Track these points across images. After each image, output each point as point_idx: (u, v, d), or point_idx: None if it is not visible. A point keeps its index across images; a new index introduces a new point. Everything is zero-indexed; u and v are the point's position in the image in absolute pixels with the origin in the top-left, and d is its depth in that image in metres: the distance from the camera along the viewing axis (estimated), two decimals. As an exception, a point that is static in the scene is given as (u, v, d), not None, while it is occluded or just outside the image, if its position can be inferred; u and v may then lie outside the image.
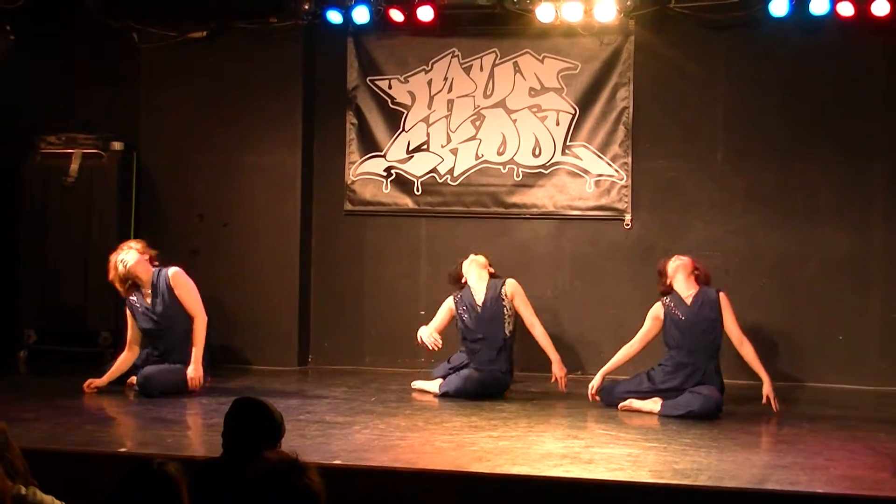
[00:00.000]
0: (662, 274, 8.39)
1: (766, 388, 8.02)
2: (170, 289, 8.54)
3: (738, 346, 8.18)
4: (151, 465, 3.72)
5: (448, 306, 8.90)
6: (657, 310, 8.27)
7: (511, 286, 8.80)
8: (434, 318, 8.91)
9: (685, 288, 8.25)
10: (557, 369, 8.73)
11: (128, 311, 8.65)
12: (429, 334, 8.75)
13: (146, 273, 8.54)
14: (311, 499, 3.52)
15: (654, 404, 8.01)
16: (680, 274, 8.29)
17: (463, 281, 8.95)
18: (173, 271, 8.60)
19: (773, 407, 7.95)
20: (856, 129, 9.55)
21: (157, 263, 8.66)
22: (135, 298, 8.58)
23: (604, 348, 9.81)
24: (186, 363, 8.41)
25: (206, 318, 8.56)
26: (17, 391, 8.75)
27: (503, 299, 8.76)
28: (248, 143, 10.20)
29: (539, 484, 5.92)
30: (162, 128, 10.35)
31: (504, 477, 5.99)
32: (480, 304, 8.78)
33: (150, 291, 8.57)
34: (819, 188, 9.63)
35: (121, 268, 8.48)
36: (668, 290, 8.30)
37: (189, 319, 8.53)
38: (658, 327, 8.25)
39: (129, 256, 8.50)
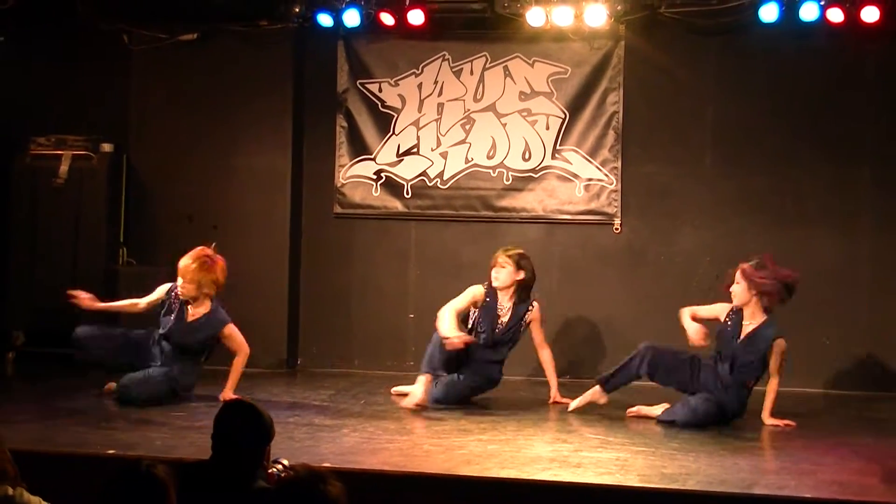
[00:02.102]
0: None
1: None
2: (214, 332, 8.38)
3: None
4: (139, 467, 3.71)
5: (473, 296, 8.55)
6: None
7: (534, 313, 8.59)
8: (456, 300, 8.50)
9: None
10: (556, 396, 8.67)
11: (157, 295, 8.44)
12: (456, 336, 8.25)
13: (204, 294, 8.33)
14: None
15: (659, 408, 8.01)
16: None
17: (490, 284, 8.58)
18: (228, 325, 8.40)
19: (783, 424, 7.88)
20: (845, 134, 9.57)
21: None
22: (175, 302, 8.38)
23: (592, 353, 9.85)
24: (170, 373, 8.31)
25: (248, 352, 8.44)
26: (4, 393, 8.74)
27: (523, 325, 8.60)
28: (239, 146, 10.19)
29: (527, 488, 5.93)
30: (152, 130, 10.35)
31: (493, 480, 6.00)
32: (502, 326, 8.55)
33: (196, 312, 8.37)
34: (808, 193, 9.66)
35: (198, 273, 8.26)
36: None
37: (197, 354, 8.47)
38: None
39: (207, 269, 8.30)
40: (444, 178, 10.12)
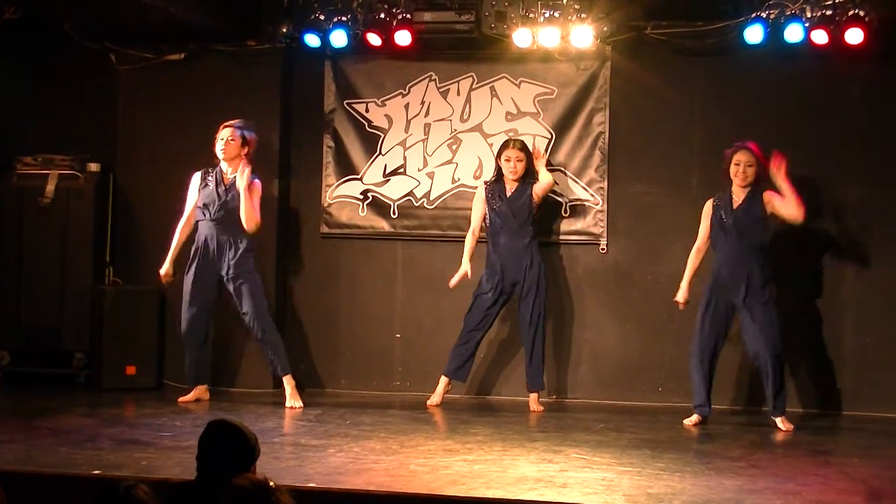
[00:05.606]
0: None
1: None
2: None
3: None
4: (117, 489, 3.69)
5: (480, 200, 9.58)
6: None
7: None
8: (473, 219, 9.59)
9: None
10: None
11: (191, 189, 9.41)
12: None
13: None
14: None
15: None
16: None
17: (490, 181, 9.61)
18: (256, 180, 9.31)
19: None
20: (830, 156, 9.60)
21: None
22: (210, 177, 9.35)
23: (579, 373, 9.86)
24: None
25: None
26: (-10, 412, 8.72)
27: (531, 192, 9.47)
28: (225, 166, 10.18)
29: (513, 508, 5.93)
30: (139, 149, 10.35)
31: (478, 500, 6.00)
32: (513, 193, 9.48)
33: (229, 177, 9.31)
34: (793, 214, 9.66)
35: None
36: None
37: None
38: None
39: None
40: (431, 198, 10.13)
